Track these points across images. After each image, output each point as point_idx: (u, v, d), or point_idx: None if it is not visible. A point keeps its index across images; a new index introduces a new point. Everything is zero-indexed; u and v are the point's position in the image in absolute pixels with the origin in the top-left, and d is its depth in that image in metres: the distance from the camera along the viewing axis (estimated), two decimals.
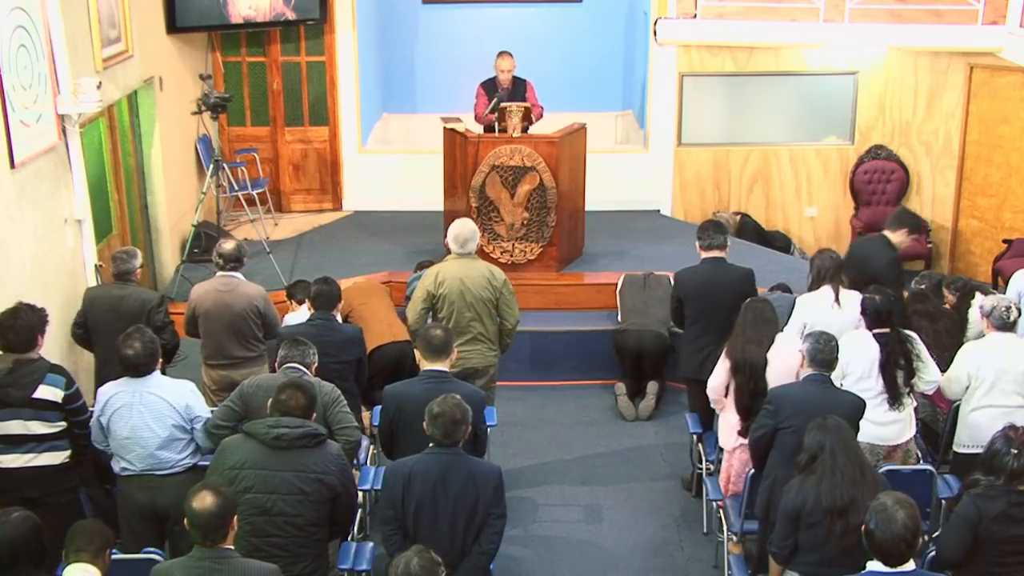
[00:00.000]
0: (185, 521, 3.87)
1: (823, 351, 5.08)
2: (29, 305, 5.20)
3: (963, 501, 4.47)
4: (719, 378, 5.85)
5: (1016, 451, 4.35)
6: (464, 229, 6.41)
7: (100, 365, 6.35)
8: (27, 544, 3.76)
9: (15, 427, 4.94)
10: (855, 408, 5.02)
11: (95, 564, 3.90)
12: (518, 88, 9.03)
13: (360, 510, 5.63)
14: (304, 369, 5.22)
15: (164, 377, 5.16)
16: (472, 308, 6.27)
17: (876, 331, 5.58)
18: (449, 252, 6.47)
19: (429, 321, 6.27)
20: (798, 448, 4.87)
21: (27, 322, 5.09)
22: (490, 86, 9.02)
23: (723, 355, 5.85)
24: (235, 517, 3.90)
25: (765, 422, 5.12)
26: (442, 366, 5.20)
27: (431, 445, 4.49)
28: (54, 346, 6.12)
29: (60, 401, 5.00)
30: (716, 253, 6.55)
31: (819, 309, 6.20)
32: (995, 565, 4.38)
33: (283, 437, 4.37)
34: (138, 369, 5.01)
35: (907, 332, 5.67)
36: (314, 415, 4.65)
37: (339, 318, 7.10)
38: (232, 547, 3.89)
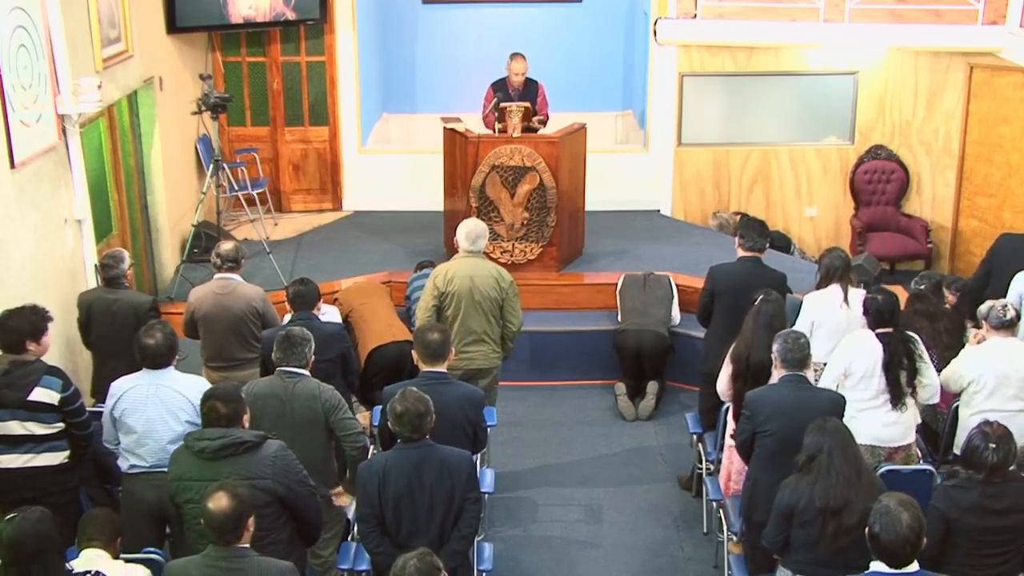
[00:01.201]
0: (202, 520, 3.90)
1: (792, 350, 5.09)
2: (32, 307, 5.19)
3: (935, 493, 4.52)
4: (723, 382, 5.89)
5: (994, 446, 4.40)
6: (476, 226, 6.45)
7: (97, 367, 6.36)
8: (50, 536, 3.84)
9: (13, 428, 4.94)
10: (834, 405, 5.04)
11: (107, 551, 4.09)
12: (529, 89, 9.00)
13: None
14: (302, 372, 5.19)
15: (179, 372, 5.17)
16: (479, 308, 6.28)
17: (879, 331, 5.58)
18: (454, 252, 6.47)
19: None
20: (777, 450, 4.95)
21: (16, 325, 5.08)
22: (500, 86, 8.98)
23: (727, 359, 5.87)
24: (252, 518, 3.92)
25: (744, 427, 5.17)
26: (440, 368, 5.21)
27: (399, 441, 4.50)
28: (53, 346, 6.10)
29: (56, 404, 4.99)
30: (755, 254, 6.56)
31: (827, 308, 6.21)
32: (974, 557, 4.42)
33: (206, 449, 4.39)
34: (156, 361, 5.02)
35: (909, 333, 5.67)
36: (245, 418, 4.61)
37: (337, 317, 7.13)
38: (248, 546, 3.91)
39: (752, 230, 6.61)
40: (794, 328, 6.08)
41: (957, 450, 5.77)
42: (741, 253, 6.60)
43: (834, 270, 6.29)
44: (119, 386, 5.08)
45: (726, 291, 6.52)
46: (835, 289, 6.25)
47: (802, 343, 5.11)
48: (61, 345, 6.46)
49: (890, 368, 5.48)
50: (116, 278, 6.31)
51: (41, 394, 4.96)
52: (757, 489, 5.05)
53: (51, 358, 5.39)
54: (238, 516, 3.84)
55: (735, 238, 6.68)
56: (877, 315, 5.59)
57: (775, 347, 5.16)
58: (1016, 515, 4.44)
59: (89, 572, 3.97)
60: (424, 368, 5.21)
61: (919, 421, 5.70)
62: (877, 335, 5.56)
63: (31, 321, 5.13)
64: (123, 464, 5.10)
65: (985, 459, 4.40)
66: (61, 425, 5.03)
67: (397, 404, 4.46)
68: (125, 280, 6.38)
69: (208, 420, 4.52)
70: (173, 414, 5.00)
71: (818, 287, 6.40)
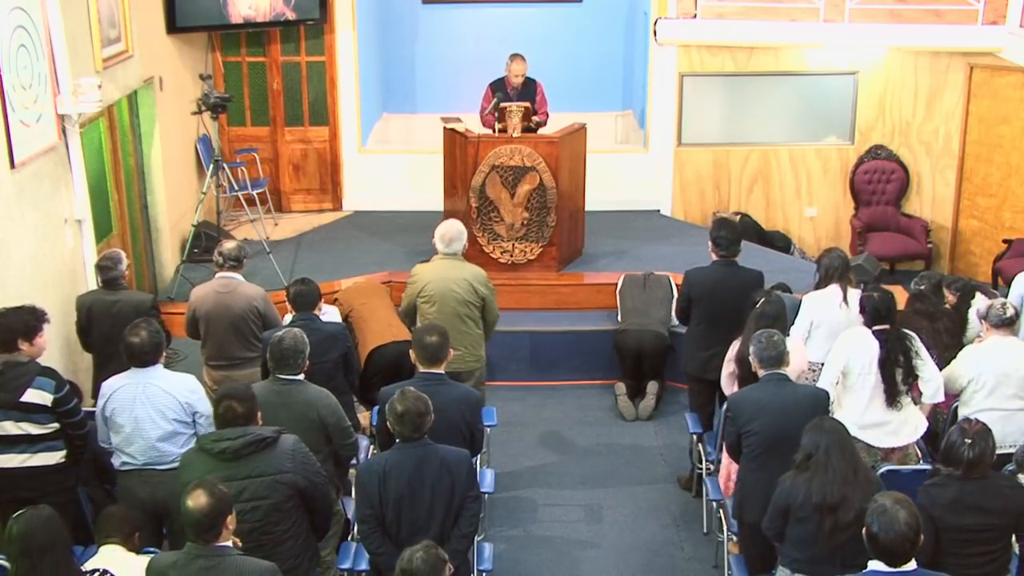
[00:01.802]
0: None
1: (767, 348, 5.11)
2: (30, 308, 5.18)
3: (919, 492, 4.53)
4: (726, 381, 5.90)
5: (970, 441, 4.44)
6: (451, 228, 6.41)
7: (97, 369, 6.35)
8: (60, 532, 3.89)
9: (7, 428, 4.93)
10: (816, 400, 5.07)
11: (125, 546, 4.20)
12: (528, 88, 9.01)
13: None
14: (296, 378, 5.16)
15: (167, 370, 5.16)
16: (455, 311, 6.25)
17: (876, 328, 5.58)
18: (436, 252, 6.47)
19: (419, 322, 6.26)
20: (763, 450, 4.98)
21: (8, 323, 5.07)
22: (499, 86, 8.99)
23: (729, 359, 5.87)
24: (231, 516, 3.92)
25: (729, 429, 5.20)
26: (438, 369, 5.21)
27: (398, 441, 4.50)
28: (52, 347, 6.11)
29: (49, 405, 4.96)
30: (729, 257, 6.57)
31: (826, 308, 6.21)
32: (958, 556, 4.43)
33: (227, 450, 4.38)
34: (142, 359, 5.01)
35: (906, 331, 5.68)
36: (259, 415, 4.61)
37: (337, 317, 7.13)
38: (230, 544, 3.91)
39: (724, 236, 6.58)
40: (792, 328, 6.12)
41: None
42: (715, 258, 6.61)
43: (833, 270, 6.29)
44: (109, 385, 5.09)
45: (702, 296, 6.57)
46: (834, 289, 6.25)
47: (776, 341, 5.14)
48: (62, 346, 6.46)
49: (886, 365, 5.48)
50: (115, 279, 6.31)
51: (33, 395, 4.94)
52: (746, 490, 5.08)
53: (51, 359, 5.38)
54: (217, 514, 3.83)
55: (708, 242, 6.67)
56: (874, 312, 5.60)
57: (751, 349, 5.19)
58: (1000, 514, 4.45)
59: (97, 570, 3.98)
60: (422, 368, 5.21)
61: (924, 425, 5.68)
62: (874, 332, 5.57)
63: (25, 320, 5.11)
64: (116, 461, 5.10)
65: (961, 454, 4.44)
66: (56, 425, 5.02)
67: (397, 404, 4.46)
68: (123, 281, 6.38)
69: (225, 420, 4.50)
70: (161, 412, 5.00)
71: (817, 287, 6.40)
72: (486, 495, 6.11)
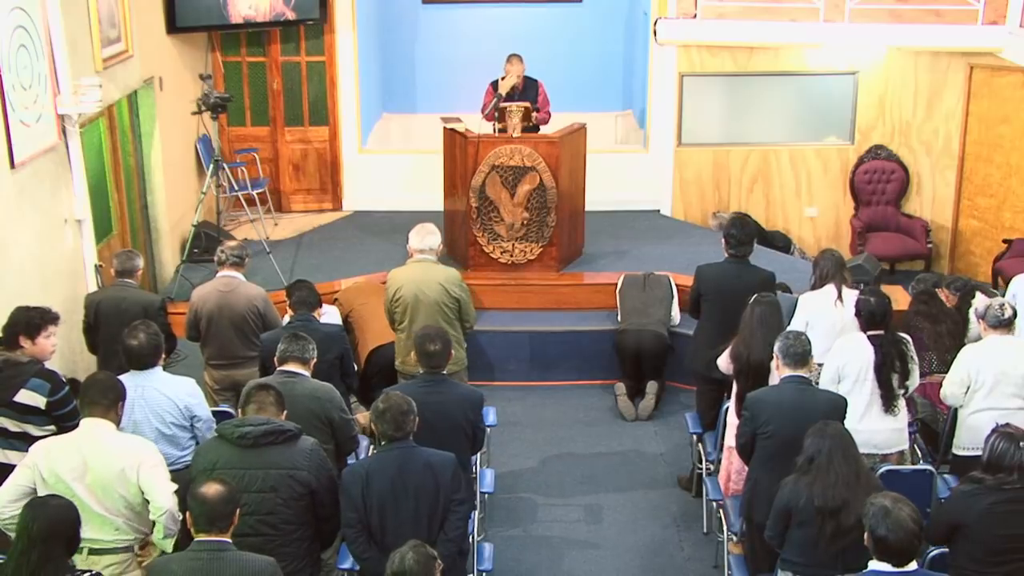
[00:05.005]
0: (188, 515, 3.91)
1: (794, 346, 5.09)
2: (41, 308, 5.15)
3: (949, 498, 4.50)
4: (723, 362, 5.92)
5: None
6: (424, 227, 6.49)
7: (100, 367, 6.34)
8: (65, 527, 3.83)
9: (7, 425, 4.90)
10: (835, 407, 5.03)
11: (108, 417, 4.30)
12: (529, 88, 9.02)
13: None
14: (302, 372, 5.18)
15: (166, 374, 5.15)
16: (429, 313, 6.26)
17: (870, 333, 5.57)
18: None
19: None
20: (777, 451, 4.96)
21: (13, 318, 5.05)
22: (500, 85, 9.00)
23: (726, 355, 5.88)
24: (238, 511, 3.96)
25: (744, 429, 5.18)
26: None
27: (383, 442, 4.49)
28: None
29: (43, 408, 4.90)
30: (739, 256, 6.57)
31: (821, 307, 6.22)
32: (984, 564, 4.39)
33: (248, 435, 4.38)
34: (141, 361, 5.00)
35: (900, 334, 5.67)
36: (284, 414, 4.65)
37: (337, 318, 7.13)
38: (230, 540, 3.93)
39: (735, 234, 6.53)
40: (788, 328, 6.12)
41: (957, 450, 5.79)
42: (726, 254, 6.61)
43: (827, 271, 6.31)
44: None
45: (712, 292, 6.57)
46: (829, 289, 6.26)
47: (803, 340, 5.12)
48: (61, 347, 6.44)
49: (882, 370, 5.47)
50: (129, 271, 6.33)
51: (25, 396, 4.88)
52: (757, 490, 5.06)
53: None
54: (229, 501, 3.89)
55: (721, 240, 6.67)
56: (869, 317, 5.58)
57: (777, 345, 5.17)
58: None
59: (90, 572, 3.96)
60: (422, 370, 5.22)
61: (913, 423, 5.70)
62: (868, 337, 5.55)
63: (28, 316, 5.09)
64: None
65: (1019, 458, 4.33)
66: (53, 428, 4.94)
67: (380, 403, 4.46)
68: (136, 278, 6.39)
69: (258, 405, 4.56)
70: (159, 416, 4.99)
71: (813, 288, 6.41)
72: (486, 495, 6.12)
